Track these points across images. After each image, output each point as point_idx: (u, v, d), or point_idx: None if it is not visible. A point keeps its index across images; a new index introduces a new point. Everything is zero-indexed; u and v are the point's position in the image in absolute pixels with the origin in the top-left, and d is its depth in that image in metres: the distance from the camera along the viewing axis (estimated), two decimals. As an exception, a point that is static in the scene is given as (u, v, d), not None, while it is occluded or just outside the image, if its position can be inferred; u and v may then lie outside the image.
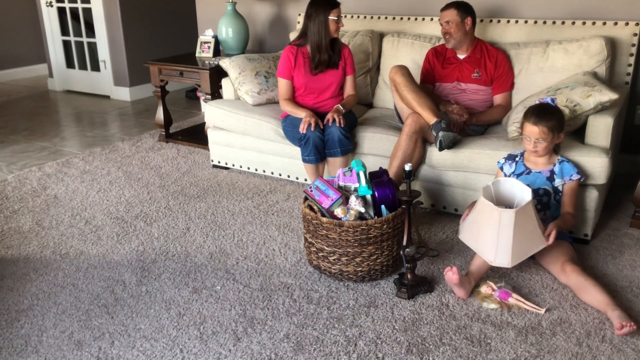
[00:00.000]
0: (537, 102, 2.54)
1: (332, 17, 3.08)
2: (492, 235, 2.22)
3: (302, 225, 2.91)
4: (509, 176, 2.58)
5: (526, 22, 3.40)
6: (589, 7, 3.36)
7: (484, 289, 2.28)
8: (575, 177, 2.47)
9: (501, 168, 2.63)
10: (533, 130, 2.40)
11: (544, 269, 2.47)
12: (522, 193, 2.30)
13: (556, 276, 2.38)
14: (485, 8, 3.58)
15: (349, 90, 3.32)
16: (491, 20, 3.47)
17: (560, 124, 2.44)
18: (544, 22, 3.35)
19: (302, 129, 3.07)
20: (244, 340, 2.09)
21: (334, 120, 3.05)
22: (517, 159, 2.60)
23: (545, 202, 2.51)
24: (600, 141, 2.71)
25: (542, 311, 2.19)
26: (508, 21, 3.45)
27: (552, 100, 2.53)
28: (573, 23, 3.27)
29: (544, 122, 2.39)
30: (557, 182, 2.49)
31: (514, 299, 2.24)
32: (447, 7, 3.12)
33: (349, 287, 2.41)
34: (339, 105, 3.16)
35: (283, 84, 3.28)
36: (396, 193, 2.45)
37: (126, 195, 3.42)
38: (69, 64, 6.35)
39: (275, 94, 3.61)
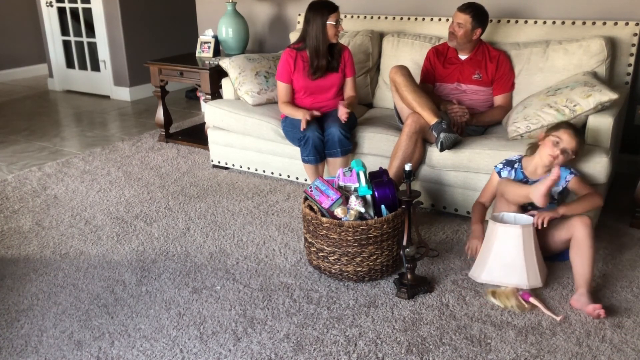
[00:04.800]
0: None
1: (330, 22, 3.06)
2: (518, 255, 2.29)
3: (302, 225, 2.91)
4: None
5: (526, 22, 3.40)
6: (588, 7, 3.36)
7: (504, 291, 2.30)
8: (569, 177, 2.45)
9: (499, 173, 2.59)
10: (571, 141, 2.40)
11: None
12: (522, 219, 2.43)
13: (571, 223, 2.33)
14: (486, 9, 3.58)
15: (349, 92, 3.31)
16: (491, 21, 3.46)
17: (582, 149, 2.49)
18: (544, 22, 3.35)
19: (303, 126, 3.07)
20: (244, 340, 2.09)
21: (335, 119, 3.06)
22: (515, 165, 2.56)
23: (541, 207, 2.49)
24: (600, 141, 2.71)
25: (558, 319, 2.16)
26: (508, 21, 3.45)
27: None
28: (573, 23, 3.27)
29: (581, 141, 2.44)
30: (553, 190, 2.46)
31: (534, 299, 2.24)
32: (466, 10, 3.07)
33: (349, 287, 2.41)
34: (345, 103, 3.14)
35: (282, 88, 3.28)
36: (396, 193, 2.45)
37: (126, 195, 3.42)
38: (69, 64, 6.34)
39: (275, 94, 3.61)
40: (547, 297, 2.30)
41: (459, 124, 3.06)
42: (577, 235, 2.28)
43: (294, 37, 3.97)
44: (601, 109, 2.72)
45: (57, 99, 6.14)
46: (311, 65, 3.17)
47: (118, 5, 5.64)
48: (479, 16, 3.09)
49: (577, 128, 2.50)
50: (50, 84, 6.55)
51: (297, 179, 3.51)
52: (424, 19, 3.74)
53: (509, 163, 2.59)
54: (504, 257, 2.32)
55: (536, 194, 2.28)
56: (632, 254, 2.64)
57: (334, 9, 3.08)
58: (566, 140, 2.40)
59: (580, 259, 2.25)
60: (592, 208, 2.42)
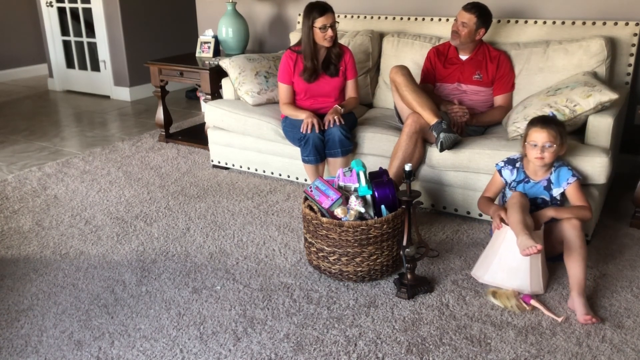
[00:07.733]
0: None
1: (316, 26, 3.03)
2: (524, 260, 2.27)
3: (302, 225, 2.91)
4: (510, 183, 2.53)
5: (526, 22, 3.40)
6: (588, 7, 3.37)
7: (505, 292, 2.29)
8: (571, 179, 2.42)
9: (500, 171, 2.56)
10: (541, 135, 2.35)
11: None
12: None
13: (561, 226, 2.33)
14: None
15: (350, 93, 3.30)
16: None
17: (564, 133, 2.42)
18: (544, 23, 3.35)
19: (304, 129, 3.06)
20: (244, 340, 2.09)
21: (334, 121, 3.05)
22: (517, 164, 2.53)
23: (541, 208, 2.49)
24: (600, 141, 2.71)
25: (559, 320, 2.16)
26: (508, 21, 3.45)
27: (553, 114, 2.56)
28: (573, 23, 3.27)
29: (552, 126, 2.37)
30: (555, 192, 2.45)
31: (535, 302, 2.24)
32: (471, 9, 3.06)
33: (349, 287, 2.41)
34: (337, 106, 3.15)
35: (284, 89, 3.27)
36: (396, 193, 2.45)
37: (126, 195, 3.42)
38: (69, 64, 6.35)
39: (275, 94, 3.61)
40: (547, 298, 2.30)
41: (459, 124, 3.06)
42: (567, 238, 2.28)
43: (294, 37, 3.98)
44: (601, 109, 2.72)
45: (57, 99, 6.14)
46: (305, 67, 3.16)
47: (118, 5, 5.64)
48: (484, 16, 3.09)
49: (545, 117, 2.46)
50: (50, 84, 6.55)
51: (297, 179, 3.51)
52: (424, 19, 3.74)
53: (511, 162, 2.56)
54: (509, 260, 2.31)
55: (519, 247, 2.19)
56: (632, 254, 2.64)
57: (322, 13, 3.00)
58: (536, 137, 2.36)
59: (571, 261, 2.25)
60: (580, 218, 2.34)
